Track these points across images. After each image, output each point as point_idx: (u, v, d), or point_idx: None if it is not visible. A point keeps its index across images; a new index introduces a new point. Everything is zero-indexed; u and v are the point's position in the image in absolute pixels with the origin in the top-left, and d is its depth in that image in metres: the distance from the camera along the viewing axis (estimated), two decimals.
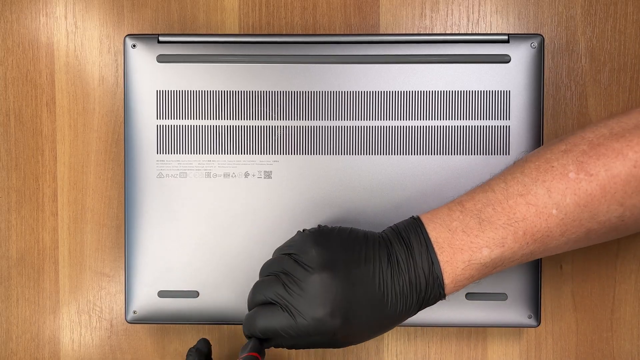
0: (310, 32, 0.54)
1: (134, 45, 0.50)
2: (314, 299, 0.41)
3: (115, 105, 0.55)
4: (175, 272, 0.50)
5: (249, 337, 0.44)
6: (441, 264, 0.41)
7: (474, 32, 0.54)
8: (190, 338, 0.55)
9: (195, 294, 0.50)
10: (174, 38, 0.50)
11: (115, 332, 0.55)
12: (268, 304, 0.43)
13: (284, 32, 0.54)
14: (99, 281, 0.55)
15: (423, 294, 0.42)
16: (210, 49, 0.50)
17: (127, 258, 0.50)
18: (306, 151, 0.50)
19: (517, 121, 0.49)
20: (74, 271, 0.55)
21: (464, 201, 0.43)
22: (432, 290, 0.42)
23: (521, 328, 0.52)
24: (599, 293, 0.54)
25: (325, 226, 0.45)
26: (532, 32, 0.53)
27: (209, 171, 0.50)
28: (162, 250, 0.50)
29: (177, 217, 0.50)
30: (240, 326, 0.54)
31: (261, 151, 0.50)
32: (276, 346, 0.43)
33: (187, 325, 0.55)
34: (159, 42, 0.50)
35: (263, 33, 0.54)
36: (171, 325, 0.55)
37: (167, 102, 0.50)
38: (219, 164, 0.50)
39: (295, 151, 0.50)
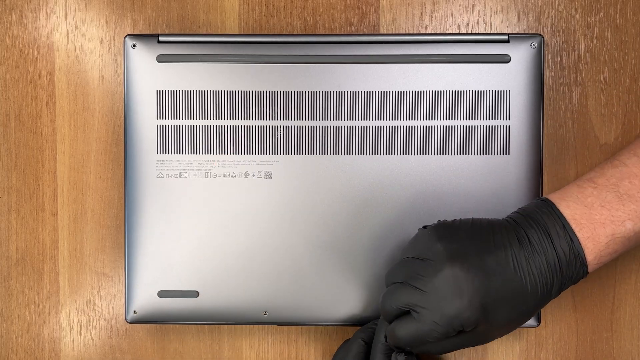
0: (310, 32, 0.54)
1: (134, 45, 0.50)
2: (448, 295, 0.40)
3: (115, 105, 0.55)
4: (175, 272, 0.50)
5: (400, 350, 0.43)
6: (581, 241, 0.41)
7: (474, 32, 0.54)
8: (190, 338, 0.55)
9: (195, 294, 0.50)
10: (174, 38, 0.50)
11: (115, 332, 0.55)
12: (404, 313, 0.42)
13: (284, 32, 0.54)
14: (99, 281, 0.55)
15: (564, 273, 0.41)
16: (210, 49, 0.50)
17: (127, 258, 0.50)
18: (306, 151, 0.50)
19: (517, 121, 0.49)
20: (74, 271, 0.55)
21: (594, 178, 0.43)
22: (574, 268, 0.41)
23: (521, 328, 0.52)
24: (599, 293, 0.54)
25: (445, 220, 0.44)
26: (532, 32, 0.53)
27: (209, 171, 0.50)
28: (162, 250, 0.50)
29: (177, 217, 0.50)
30: (240, 326, 0.54)
31: (261, 151, 0.50)
32: (427, 352, 0.42)
33: (187, 325, 0.55)
34: (159, 42, 0.50)
35: (263, 33, 0.54)
36: (171, 325, 0.55)
37: (167, 102, 0.50)
38: (219, 164, 0.50)
39: (295, 151, 0.50)
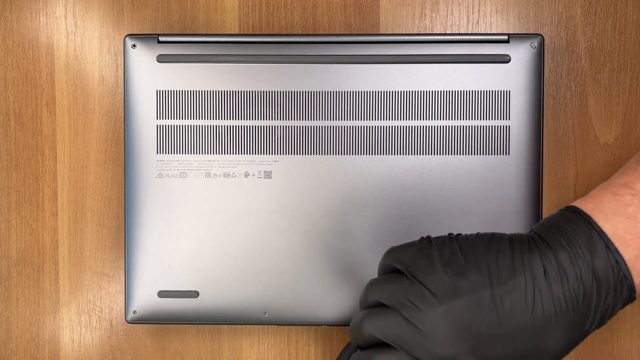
0: (310, 32, 0.54)
1: (134, 45, 0.50)
2: (447, 339, 0.34)
3: (115, 105, 0.55)
4: (175, 272, 0.50)
5: None
6: (628, 262, 0.33)
7: (474, 32, 0.54)
8: (190, 338, 0.55)
9: (195, 294, 0.50)
10: (174, 38, 0.50)
11: (115, 332, 0.55)
12: (383, 343, 0.36)
13: (284, 32, 0.54)
14: (99, 281, 0.55)
15: (603, 302, 0.34)
16: (210, 49, 0.50)
17: (127, 258, 0.50)
18: (306, 151, 0.50)
19: (517, 121, 0.49)
20: (74, 271, 0.55)
21: (630, 182, 0.35)
22: (618, 297, 0.34)
23: None
24: None
25: (458, 235, 0.37)
26: (532, 32, 0.53)
27: (209, 171, 0.50)
28: (162, 250, 0.50)
29: (177, 217, 0.50)
30: (240, 326, 0.54)
31: (261, 151, 0.50)
32: None
33: (187, 325, 0.55)
34: (159, 42, 0.50)
35: (263, 33, 0.54)
36: (171, 325, 0.55)
37: (167, 102, 0.50)
38: (219, 164, 0.50)
39: (295, 151, 0.50)
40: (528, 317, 0.33)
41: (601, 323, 0.35)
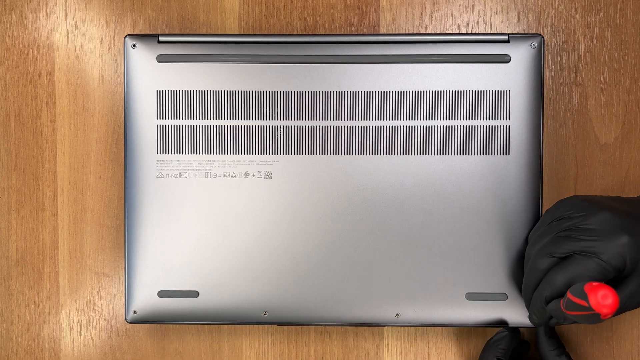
0: (310, 32, 0.54)
1: (134, 45, 0.50)
2: (611, 231, 0.42)
3: (115, 105, 0.55)
4: (175, 272, 0.50)
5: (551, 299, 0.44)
6: None
7: (474, 32, 0.54)
8: (190, 338, 0.55)
9: (195, 294, 0.50)
10: (174, 38, 0.50)
11: (115, 332, 0.55)
12: (561, 260, 0.44)
13: (284, 32, 0.54)
14: (99, 281, 0.55)
15: None
16: (210, 49, 0.50)
17: (127, 258, 0.50)
18: (306, 151, 0.50)
19: (517, 121, 0.49)
20: (74, 271, 0.55)
21: None
22: None
23: (521, 328, 0.52)
24: None
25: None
26: (532, 32, 0.53)
27: (209, 171, 0.50)
28: (162, 250, 0.50)
29: (177, 217, 0.50)
30: (240, 326, 0.54)
31: (261, 151, 0.50)
32: None
33: (187, 325, 0.55)
34: (159, 42, 0.50)
35: (263, 33, 0.54)
36: (171, 325, 0.55)
37: (167, 102, 0.50)
38: (219, 164, 0.50)
39: (295, 151, 0.50)
40: None
41: None
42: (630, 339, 0.54)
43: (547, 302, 0.44)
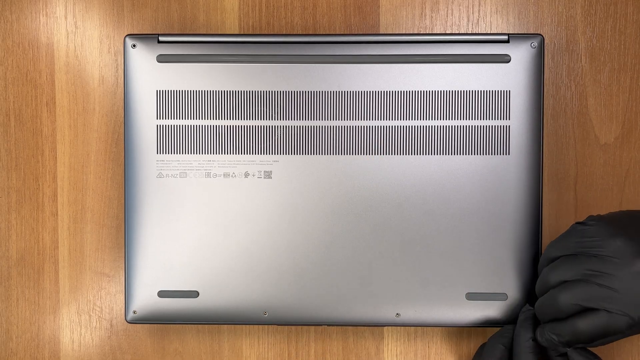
0: (310, 32, 0.54)
1: (134, 45, 0.50)
2: (636, 294, 0.40)
3: (115, 105, 0.55)
4: (175, 272, 0.50)
5: (567, 345, 0.44)
6: None
7: (474, 32, 0.54)
8: (190, 338, 0.55)
9: (195, 294, 0.50)
10: (174, 38, 0.50)
11: (115, 332, 0.55)
12: (583, 310, 0.42)
13: (284, 32, 0.54)
14: (99, 281, 0.55)
15: None
16: (210, 49, 0.50)
17: (127, 258, 0.50)
18: (306, 151, 0.50)
19: (517, 121, 0.49)
20: (74, 271, 0.55)
21: None
22: None
23: None
24: None
25: (597, 215, 0.44)
26: (532, 32, 0.53)
27: (209, 171, 0.50)
28: (162, 250, 0.50)
29: (177, 217, 0.50)
30: (240, 326, 0.54)
31: (261, 151, 0.50)
32: (600, 345, 0.44)
33: (187, 325, 0.55)
34: (159, 42, 0.50)
35: (263, 33, 0.54)
36: (171, 325, 0.55)
37: (167, 102, 0.50)
38: (219, 164, 0.50)
39: (295, 151, 0.50)
40: None
41: None
42: (630, 339, 0.54)
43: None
